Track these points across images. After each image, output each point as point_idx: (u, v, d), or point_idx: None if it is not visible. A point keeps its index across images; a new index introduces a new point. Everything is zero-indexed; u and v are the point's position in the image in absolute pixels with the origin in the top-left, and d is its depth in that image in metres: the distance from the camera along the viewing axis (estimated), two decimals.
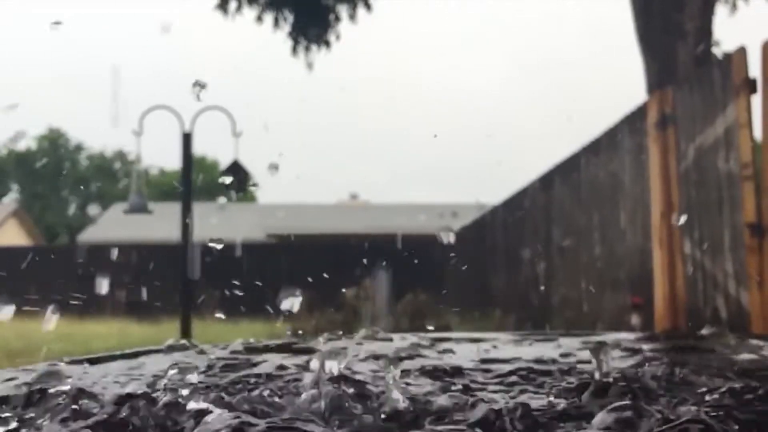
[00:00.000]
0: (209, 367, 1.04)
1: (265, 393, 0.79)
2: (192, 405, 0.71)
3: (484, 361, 1.10)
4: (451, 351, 1.23)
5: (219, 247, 1.18)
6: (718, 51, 9.06)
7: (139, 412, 0.69)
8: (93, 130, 67.98)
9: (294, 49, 13.22)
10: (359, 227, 26.32)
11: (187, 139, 11.05)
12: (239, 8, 12.89)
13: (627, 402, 0.70)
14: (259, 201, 43.09)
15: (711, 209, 5.59)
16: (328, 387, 0.75)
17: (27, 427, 0.70)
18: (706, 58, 7.98)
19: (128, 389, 0.79)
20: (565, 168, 9.35)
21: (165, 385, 0.80)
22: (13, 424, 0.71)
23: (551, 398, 0.80)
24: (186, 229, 10.84)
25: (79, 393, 0.76)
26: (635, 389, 0.79)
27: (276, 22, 13.06)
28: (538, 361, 1.09)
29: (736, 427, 0.65)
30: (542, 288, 10.04)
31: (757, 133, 5.07)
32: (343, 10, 13.12)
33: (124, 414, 0.69)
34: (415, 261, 17.01)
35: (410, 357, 1.13)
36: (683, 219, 5.77)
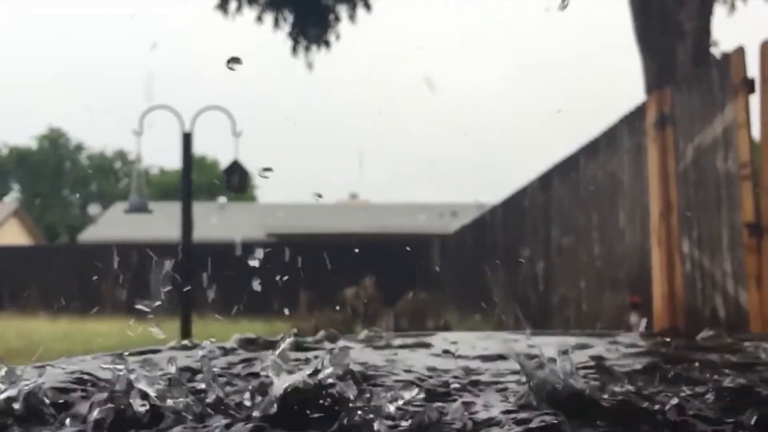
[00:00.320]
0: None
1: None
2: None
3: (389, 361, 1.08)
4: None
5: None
6: (716, 51, 9.09)
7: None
8: (93, 129, 68.00)
9: (294, 49, 13.25)
10: (359, 227, 26.34)
11: (187, 138, 11.07)
12: (239, 8, 12.91)
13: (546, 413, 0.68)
14: (259, 200, 43.14)
15: (709, 209, 5.61)
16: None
17: None
18: (704, 58, 8.00)
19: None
20: (564, 168, 9.37)
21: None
22: None
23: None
24: (186, 228, 10.86)
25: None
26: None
27: (276, 22, 13.08)
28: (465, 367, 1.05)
29: (734, 426, 0.65)
30: (541, 287, 10.06)
31: (756, 132, 5.09)
32: (342, 11, 13.15)
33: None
34: (415, 260, 17.03)
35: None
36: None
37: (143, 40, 65.43)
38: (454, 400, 0.80)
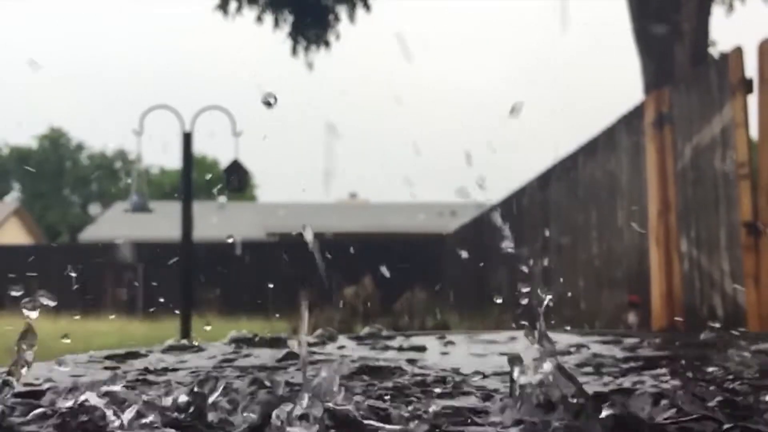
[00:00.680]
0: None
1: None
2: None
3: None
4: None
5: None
6: (714, 51, 9.10)
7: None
8: (94, 129, 68.05)
9: (294, 49, 13.26)
10: (359, 226, 26.35)
11: (187, 138, 11.08)
12: (239, 9, 12.94)
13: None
14: (259, 200, 43.15)
15: (708, 208, 5.63)
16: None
17: None
18: (702, 59, 8.02)
19: None
20: (563, 167, 9.38)
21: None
22: None
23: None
24: (186, 228, 10.88)
25: None
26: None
27: (276, 23, 13.10)
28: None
29: (732, 426, 0.65)
30: (540, 286, 10.05)
31: (754, 132, 5.11)
32: (342, 11, 13.17)
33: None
34: (414, 260, 17.02)
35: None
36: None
37: (143, 40, 65.44)
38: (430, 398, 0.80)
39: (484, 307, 12.27)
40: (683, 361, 1.04)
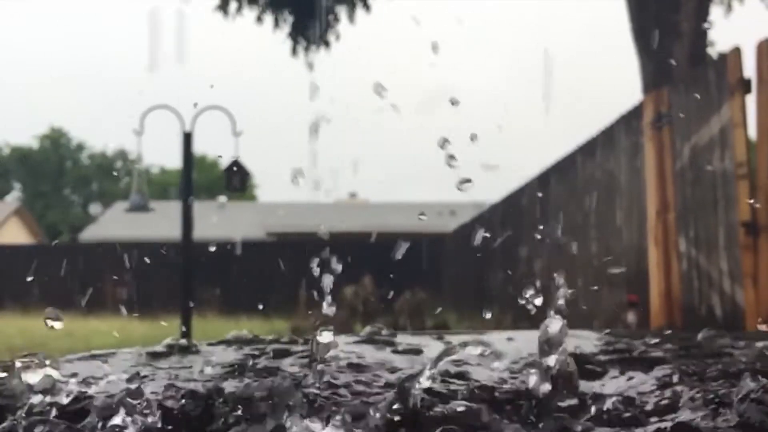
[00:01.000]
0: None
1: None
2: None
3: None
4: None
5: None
6: (713, 51, 9.12)
7: None
8: (94, 129, 68.06)
9: (294, 49, 13.29)
10: (358, 226, 26.36)
11: (187, 138, 11.10)
12: (239, 9, 12.96)
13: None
14: (259, 200, 43.16)
15: (706, 208, 5.64)
16: None
17: None
18: (701, 58, 8.04)
19: None
20: (562, 167, 9.40)
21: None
22: None
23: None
24: (186, 227, 10.89)
25: None
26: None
27: (276, 23, 13.13)
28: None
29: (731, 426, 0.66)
30: (539, 286, 10.07)
31: (752, 132, 5.12)
32: (342, 11, 13.19)
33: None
34: (414, 259, 17.04)
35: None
36: None
37: (143, 40, 65.38)
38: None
39: (483, 307, 12.28)
40: (680, 361, 1.05)
